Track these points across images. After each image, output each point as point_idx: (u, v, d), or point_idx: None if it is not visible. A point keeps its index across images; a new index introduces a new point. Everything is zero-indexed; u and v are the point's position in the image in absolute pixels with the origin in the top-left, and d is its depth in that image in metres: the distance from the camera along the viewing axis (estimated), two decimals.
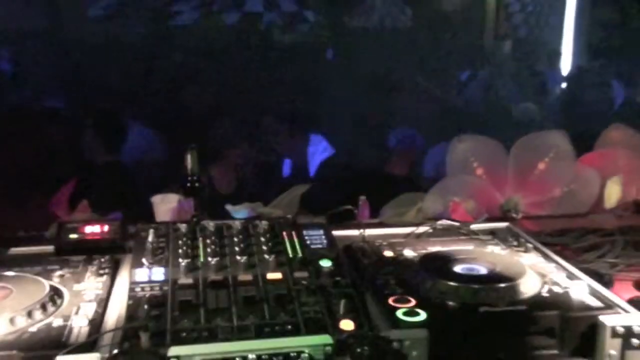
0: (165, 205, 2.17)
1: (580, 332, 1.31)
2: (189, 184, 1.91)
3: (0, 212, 2.39)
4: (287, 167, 4.38)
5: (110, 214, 2.24)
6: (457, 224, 1.89)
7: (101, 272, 1.45)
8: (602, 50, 8.63)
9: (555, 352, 1.31)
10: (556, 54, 8.93)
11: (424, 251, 1.62)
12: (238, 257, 1.45)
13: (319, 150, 4.55)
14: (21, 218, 2.12)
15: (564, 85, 7.70)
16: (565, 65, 8.71)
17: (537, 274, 1.48)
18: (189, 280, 1.35)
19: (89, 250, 1.56)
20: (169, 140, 4.05)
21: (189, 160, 1.92)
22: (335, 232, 1.69)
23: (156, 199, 2.20)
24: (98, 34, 8.84)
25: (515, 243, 1.70)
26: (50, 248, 1.62)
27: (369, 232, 1.77)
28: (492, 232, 1.81)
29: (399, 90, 6.28)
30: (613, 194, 2.60)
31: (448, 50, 8.86)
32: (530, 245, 1.66)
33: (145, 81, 6.95)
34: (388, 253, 1.61)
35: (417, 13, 9.63)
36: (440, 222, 1.90)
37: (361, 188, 2.36)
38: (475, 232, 1.82)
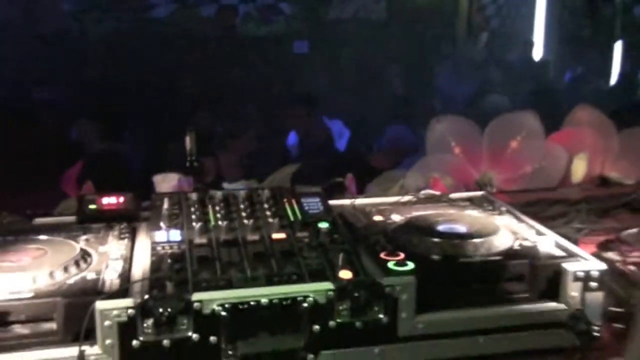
0: (166, 183, 2.34)
1: (546, 278, 1.51)
2: (188, 163, 2.09)
3: (13, 196, 2.53)
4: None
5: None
6: (437, 193, 2.08)
7: (122, 236, 1.62)
8: (573, 38, 8.91)
9: (525, 295, 1.50)
10: (529, 44, 9.18)
11: (409, 215, 1.81)
12: (245, 221, 1.62)
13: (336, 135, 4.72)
14: (32, 200, 2.26)
15: (535, 73, 7.94)
16: (537, 53, 8.97)
17: (510, 231, 1.67)
18: (204, 240, 1.52)
19: (108, 219, 1.72)
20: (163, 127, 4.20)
21: (187, 141, 2.10)
22: (333, 202, 1.87)
23: (157, 178, 2.37)
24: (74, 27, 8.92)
25: (490, 207, 1.90)
26: (71, 219, 1.77)
27: (358, 201, 1.96)
28: (469, 200, 2.01)
29: (376, 81, 6.50)
30: (579, 169, 2.81)
31: (420, 41, 9.09)
32: (503, 209, 1.86)
33: (137, 74, 7.07)
34: (377, 217, 1.79)
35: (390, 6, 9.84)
36: (422, 192, 2.08)
37: (348, 170, 2.56)
38: (454, 200, 2.01)
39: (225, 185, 2.39)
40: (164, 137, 3.65)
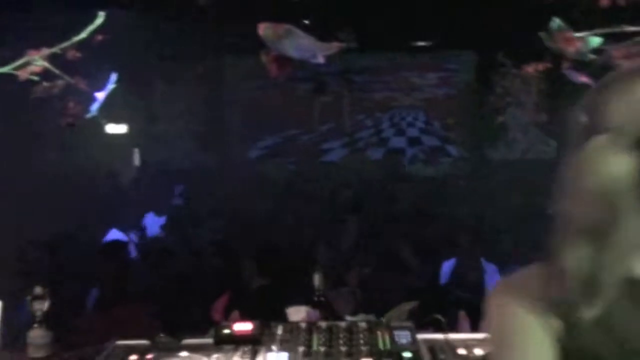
0: (297, 314, 2.72)
1: None
2: (315, 298, 2.50)
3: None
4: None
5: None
6: None
7: (244, 356, 2.02)
8: None
9: None
10: None
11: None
12: (341, 348, 1.95)
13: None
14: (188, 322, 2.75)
15: None
16: None
17: None
18: None
19: (237, 342, 2.13)
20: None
21: (316, 279, 2.52)
22: (428, 336, 2.15)
23: (290, 310, 2.77)
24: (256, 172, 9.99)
25: None
26: (210, 341, 2.21)
27: (452, 336, 2.21)
28: None
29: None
30: None
31: None
32: None
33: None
34: (461, 351, 2.04)
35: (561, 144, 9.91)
36: None
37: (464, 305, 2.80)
38: None
39: (348, 318, 2.72)
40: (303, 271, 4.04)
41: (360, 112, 10.60)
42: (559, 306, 0.99)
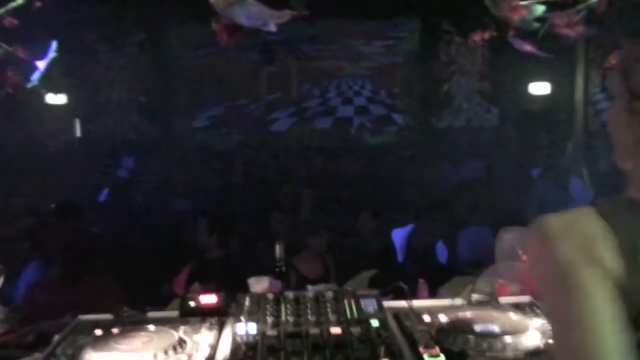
0: (259, 285, 2.73)
1: None
2: (277, 269, 2.50)
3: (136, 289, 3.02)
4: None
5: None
6: (486, 298, 2.33)
7: (212, 328, 2.01)
8: None
9: None
10: None
11: (453, 317, 2.08)
12: (310, 317, 1.97)
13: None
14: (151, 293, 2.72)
15: None
16: None
17: (540, 332, 1.91)
18: (274, 332, 1.88)
19: (203, 314, 2.12)
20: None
21: (277, 250, 2.52)
22: (392, 303, 2.18)
23: (252, 280, 2.77)
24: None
25: (531, 311, 2.14)
26: (175, 313, 2.19)
27: (416, 304, 2.25)
28: (517, 305, 2.25)
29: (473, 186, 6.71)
30: None
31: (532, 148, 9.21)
32: (539, 311, 2.10)
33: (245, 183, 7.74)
34: (426, 317, 2.08)
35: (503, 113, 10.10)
36: (474, 297, 2.34)
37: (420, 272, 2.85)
38: (502, 305, 2.26)
39: (309, 287, 2.74)
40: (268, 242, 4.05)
41: (307, 81, 10.57)
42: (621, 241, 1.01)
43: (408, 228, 4.12)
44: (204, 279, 2.93)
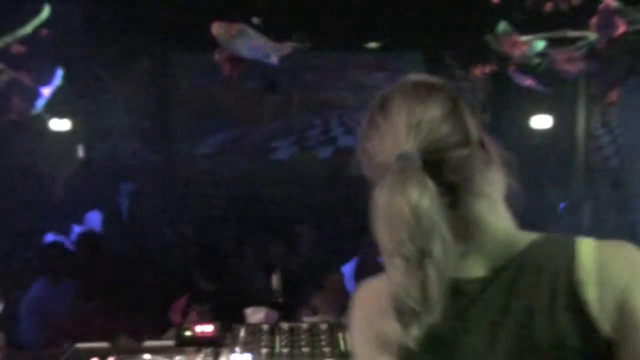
0: (255, 315, 2.74)
1: None
2: (274, 300, 2.53)
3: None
4: None
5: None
6: None
7: (207, 358, 2.03)
8: None
9: None
10: None
11: None
12: (303, 349, 1.99)
13: None
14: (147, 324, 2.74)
15: None
16: None
17: None
18: None
19: (198, 344, 2.14)
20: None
21: (274, 280, 2.55)
22: None
23: (248, 311, 2.78)
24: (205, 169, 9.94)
25: None
26: (171, 343, 2.21)
27: None
28: None
29: None
30: None
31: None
32: None
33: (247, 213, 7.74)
34: None
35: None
36: None
37: None
38: None
39: (305, 319, 2.75)
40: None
41: (309, 111, 10.64)
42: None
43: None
44: (202, 307, 2.94)
